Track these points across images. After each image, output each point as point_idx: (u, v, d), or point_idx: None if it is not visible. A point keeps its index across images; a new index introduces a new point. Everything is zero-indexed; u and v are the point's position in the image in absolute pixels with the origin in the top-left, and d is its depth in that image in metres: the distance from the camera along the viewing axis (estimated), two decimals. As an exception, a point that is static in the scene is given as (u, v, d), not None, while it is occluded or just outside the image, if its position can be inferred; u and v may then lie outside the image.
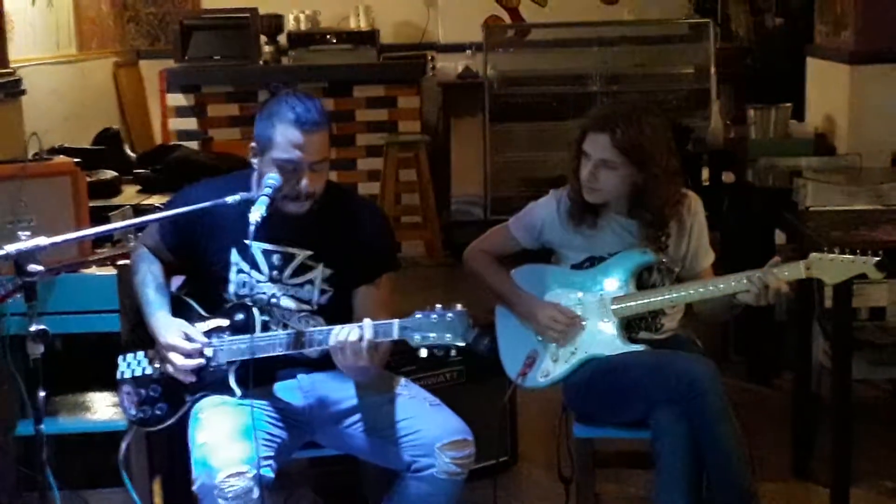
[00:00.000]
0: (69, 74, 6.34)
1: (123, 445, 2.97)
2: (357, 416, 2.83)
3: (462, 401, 3.06)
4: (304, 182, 2.74)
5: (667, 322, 3.15)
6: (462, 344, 2.56)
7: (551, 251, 3.24)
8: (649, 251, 3.08)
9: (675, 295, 3.04)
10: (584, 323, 3.09)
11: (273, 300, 2.86)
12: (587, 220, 3.12)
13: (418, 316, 2.57)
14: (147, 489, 3.13)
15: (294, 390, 2.87)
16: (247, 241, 2.75)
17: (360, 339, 2.60)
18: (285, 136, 2.72)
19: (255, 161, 2.82)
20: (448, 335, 2.55)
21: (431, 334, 2.55)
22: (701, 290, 3.01)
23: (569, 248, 3.17)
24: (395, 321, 2.60)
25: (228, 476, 2.56)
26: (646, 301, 3.05)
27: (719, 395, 2.86)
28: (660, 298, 3.05)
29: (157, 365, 2.87)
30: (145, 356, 2.91)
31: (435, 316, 2.56)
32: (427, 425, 2.75)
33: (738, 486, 2.84)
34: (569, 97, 7.14)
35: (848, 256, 2.85)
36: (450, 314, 2.55)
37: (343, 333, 2.62)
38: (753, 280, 2.90)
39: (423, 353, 2.58)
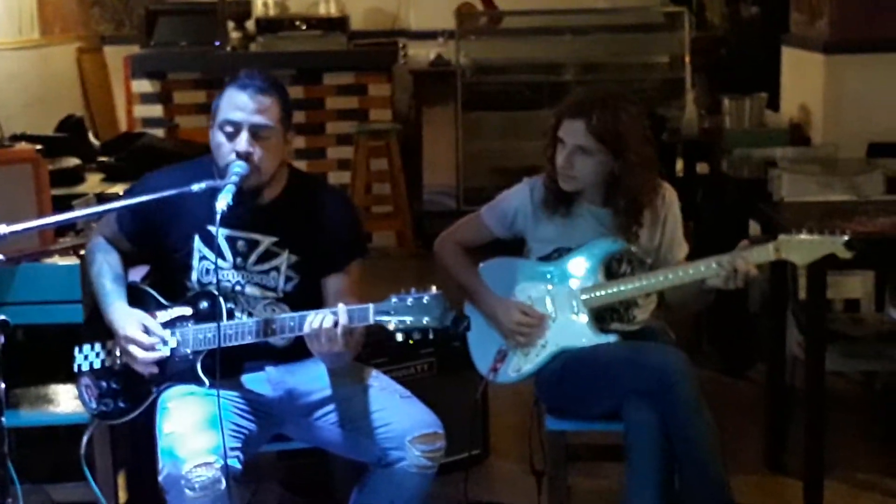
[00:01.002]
0: (31, 60, 6.25)
1: (85, 439, 2.92)
2: (327, 409, 2.80)
3: (433, 393, 3.04)
4: (240, 141, 2.69)
5: (639, 313, 3.13)
6: (439, 326, 2.51)
7: (524, 242, 3.20)
8: (619, 239, 3.06)
9: (644, 283, 3.02)
10: (553, 317, 3.06)
11: (237, 287, 2.82)
12: (560, 208, 3.09)
13: (394, 300, 2.53)
14: (111, 483, 3.11)
15: (263, 382, 2.84)
16: (210, 228, 2.72)
17: (335, 324, 2.56)
18: (229, 99, 2.74)
19: (210, 136, 2.79)
20: (425, 318, 2.50)
21: (408, 318, 2.51)
22: (671, 276, 2.99)
23: (539, 238, 3.15)
24: (370, 305, 2.55)
25: (195, 466, 2.53)
26: (615, 290, 3.03)
27: (691, 386, 2.84)
28: (629, 287, 3.03)
29: (116, 356, 2.82)
30: (103, 348, 2.87)
31: (411, 299, 2.52)
32: (397, 418, 2.73)
33: (710, 478, 2.83)
34: (542, 86, 7.13)
35: (816, 236, 2.87)
36: (426, 297, 2.51)
37: (317, 320, 2.58)
38: (723, 264, 2.90)
39: (400, 337, 2.53)
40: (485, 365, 3.14)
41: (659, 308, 3.19)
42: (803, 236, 2.87)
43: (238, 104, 2.71)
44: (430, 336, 2.53)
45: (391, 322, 2.52)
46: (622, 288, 3.03)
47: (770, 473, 3.75)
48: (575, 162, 3.01)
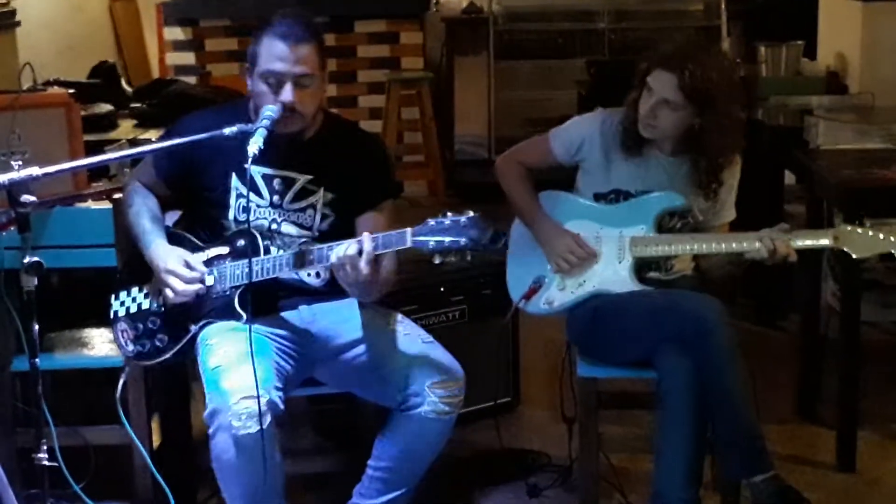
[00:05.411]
0: (64, 7, 6.23)
1: (120, 384, 2.94)
2: (352, 352, 2.82)
3: (464, 340, 3.04)
4: (285, 92, 2.70)
5: (677, 263, 3.13)
6: (478, 244, 2.46)
7: (576, 170, 3.17)
8: (681, 196, 3.03)
9: (695, 246, 3.00)
10: (599, 258, 3.06)
11: (273, 226, 2.84)
12: (631, 150, 3.07)
13: (431, 223, 2.49)
14: (145, 426, 3.13)
15: (296, 321, 2.85)
16: (246, 167, 2.71)
17: (360, 252, 2.55)
18: (269, 49, 2.72)
19: (248, 82, 2.80)
20: (463, 238, 2.46)
21: (446, 238, 2.47)
22: (723, 245, 2.96)
23: (600, 173, 3.12)
24: (408, 229, 2.53)
25: (242, 398, 2.54)
26: (665, 247, 3.01)
27: (726, 335, 2.83)
28: (679, 248, 3.01)
29: (154, 296, 2.85)
30: (140, 290, 2.89)
31: (448, 221, 2.48)
32: (418, 363, 2.74)
33: (743, 427, 2.82)
34: (575, 34, 7.07)
35: (878, 234, 2.84)
36: (463, 218, 2.47)
37: (342, 248, 2.58)
38: (764, 241, 2.87)
39: (437, 259, 2.49)
40: (518, 292, 3.14)
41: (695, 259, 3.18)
42: (864, 230, 2.85)
43: (279, 55, 2.70)
44: (468, 257, 2.48)
45: (429, 244, 2.48)
46: (673, 247, 3.01)
47: (803, 423, 3.75)
48: (659, 113, 2.98)
